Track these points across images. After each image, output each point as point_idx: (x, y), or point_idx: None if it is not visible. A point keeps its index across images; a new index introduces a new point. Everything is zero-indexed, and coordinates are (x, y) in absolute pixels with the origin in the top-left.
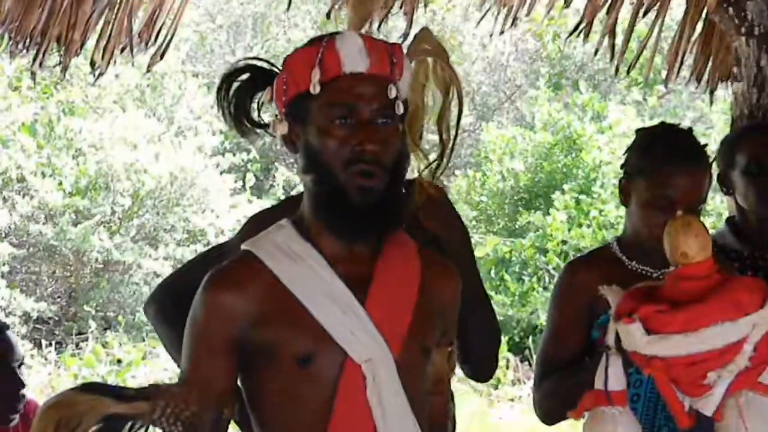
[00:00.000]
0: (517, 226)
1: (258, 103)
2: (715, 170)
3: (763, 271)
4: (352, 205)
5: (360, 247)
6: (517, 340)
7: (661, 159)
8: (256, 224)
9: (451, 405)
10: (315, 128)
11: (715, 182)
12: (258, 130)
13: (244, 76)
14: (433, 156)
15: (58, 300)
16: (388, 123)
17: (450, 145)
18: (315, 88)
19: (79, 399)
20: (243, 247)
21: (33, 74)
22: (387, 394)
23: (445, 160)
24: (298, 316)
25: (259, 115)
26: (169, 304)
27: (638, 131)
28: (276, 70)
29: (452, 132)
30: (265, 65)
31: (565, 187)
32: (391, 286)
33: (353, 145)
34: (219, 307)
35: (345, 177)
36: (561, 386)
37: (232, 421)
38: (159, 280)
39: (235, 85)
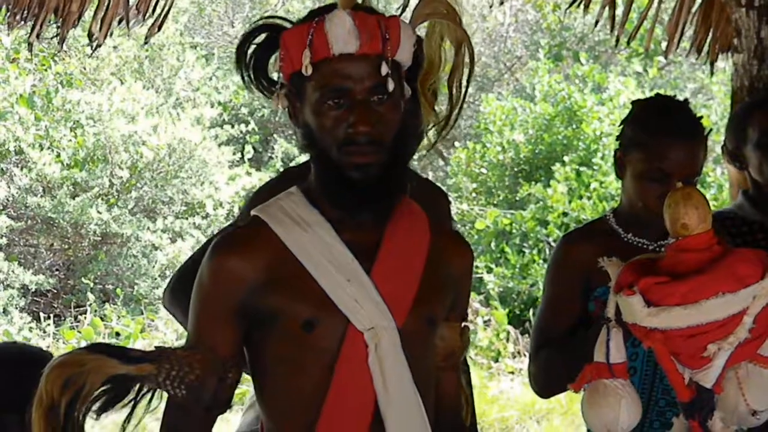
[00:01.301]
0: (517, 198)
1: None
2: (719, 143)
3: None
4: (350, 181)
5: (367, 217)
6: (517, 312)
7: (656, 132)
8: (261, 197)
9: (464, 381)
10: (309, 108)
11: (717, 153)
12: (275, 89)
13: (263, 36)
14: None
15: (57, 273)
16: (384, 99)
17: (459, 104)
18: (307, 70)
19: (86, 359)
20: (252, 212)
21: (30, 46)
22: (389, 362)
23: (452, 119)
24: (303, 283)
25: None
26: (183, 291)
27: (634, 103)
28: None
29: (462, 91)
30: (286, 24)
31: (566, 158)
32: (398, 256)
33: (346, 126)
34: (226, 271)
35: (340, 157)
36: (558, 359)
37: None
38: (157, 253)
39: (254, 45)
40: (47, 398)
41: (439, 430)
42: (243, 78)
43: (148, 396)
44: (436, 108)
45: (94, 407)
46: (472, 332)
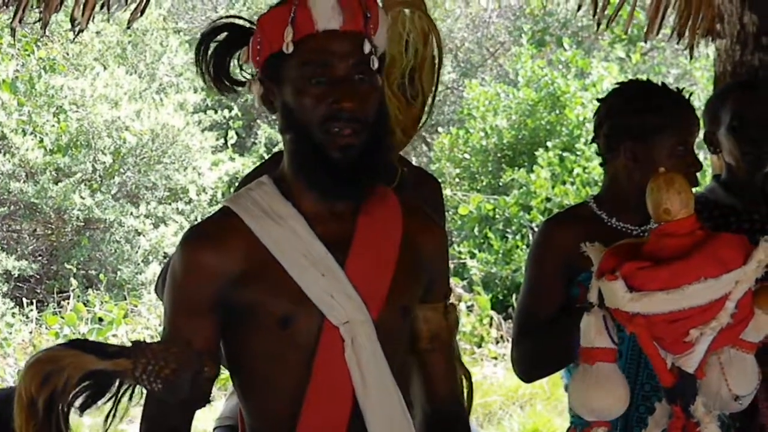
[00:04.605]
0: (500, 184)
1: (238, 60)
2: (701, 128)
3: (759, 224)
4: (332, 161)
5: (341, 206)
6: (500, 298)
7: (677, 110)
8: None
9: (454, 363)
10: (291, 87)
11: (699, 139)
12: (238, 88)
13: (223, 35)
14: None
15: (40, 258)
16: (365, 79)
17: (431, 95)
18: (288, 48)
19: (64, 355)
20: (222, 203)
21: (13, 31)
22: (365, 356)
23: (426, 110)
24: (277, 278)
25: (241, 71)
26: None
27: (615, 90)
28: (255, 27)
29: (433, 81)
30: (244, 23)
31: (549, 144)
32: (371, 246)
33: (329, 102)
34: (198, 265)
35: (322, 135)
36: (540, 344)
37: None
38: (140, 238)
39: (214, 43)
40: (26, 395)
41: (433, 414)
42: (202, 75)
43: (129, 392)
44: (408, 101)
45: (77, 404)
46: None
